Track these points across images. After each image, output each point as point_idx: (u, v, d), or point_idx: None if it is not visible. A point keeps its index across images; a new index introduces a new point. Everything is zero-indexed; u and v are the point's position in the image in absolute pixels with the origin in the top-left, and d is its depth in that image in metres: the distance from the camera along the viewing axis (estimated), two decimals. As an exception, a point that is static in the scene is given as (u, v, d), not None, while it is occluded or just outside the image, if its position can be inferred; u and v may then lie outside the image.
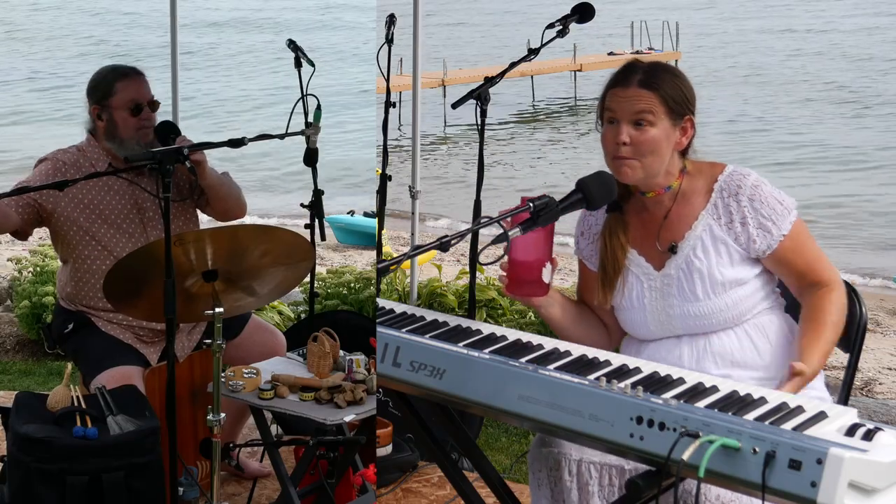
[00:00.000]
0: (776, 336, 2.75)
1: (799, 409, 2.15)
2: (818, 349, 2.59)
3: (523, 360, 2.40)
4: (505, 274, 2.68)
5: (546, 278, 2.71)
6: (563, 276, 8.62)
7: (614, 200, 2.81)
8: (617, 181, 2.68)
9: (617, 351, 2.91)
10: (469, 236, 2.73)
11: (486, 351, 2.45)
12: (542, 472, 2.70)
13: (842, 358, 3.03)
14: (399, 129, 16.95)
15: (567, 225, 2.84)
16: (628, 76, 2.69)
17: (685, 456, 1.96)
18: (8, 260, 6.86)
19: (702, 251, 2.71)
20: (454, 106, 4.12)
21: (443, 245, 2.44)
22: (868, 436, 2.01)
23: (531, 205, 2.56)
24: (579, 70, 25.14)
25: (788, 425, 2.07)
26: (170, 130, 3.54)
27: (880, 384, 6.41)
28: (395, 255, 4.07)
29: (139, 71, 3.76)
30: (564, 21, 3.99)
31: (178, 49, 5.32)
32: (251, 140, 3.40)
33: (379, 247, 5.98)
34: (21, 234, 3.66)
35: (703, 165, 2.78)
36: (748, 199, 2.68)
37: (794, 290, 2.76)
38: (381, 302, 2.85)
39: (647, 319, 2.79)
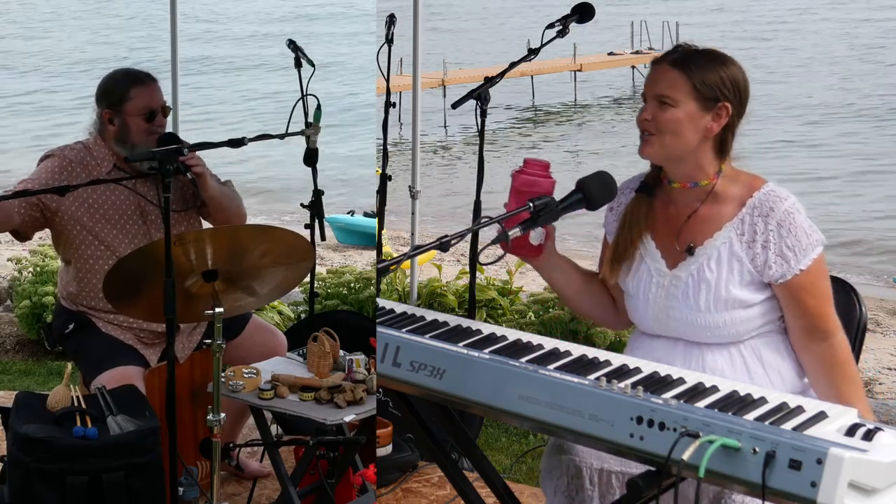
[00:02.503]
0: (771, 360, 2.71)
1: (799, 409, 2.16)
2: (860, 395, 2.62)
3: (523, 360, 2.40)
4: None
5: (534, 240, 2.73)
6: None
7: (645, 182, 2.81)
8: (651, 165, 2.75)
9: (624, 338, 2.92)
10: (469, 236, 2.74)
11: (486, 351, 2.45)
12: (562, 479, 2.67)
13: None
14: (399, 129, 16.92)
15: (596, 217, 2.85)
16: (666, 55, 2.70)
17: (685, 456, 1.96)
18: (8, 260, 6.86)
19: (716, 263, 2.68)
20: (454, 106, 4.12)
21: (443, 245, 2.44)
22: (868, 436, 2.01)
23: (531, 205, 2.57)
24: (579, 70, 25.13)
25: (788, 425, 2.07)
26: (172, 143, 3.52)
27: (880, 384, 6.41)
28: (395, 255, 4.07)
29: (153, 77, 3.75)
30: (564, 21, 3.99)
31: (178, 56, 5.32)
32: (251, 140, 3.40)
33: (379, 247, 5.99)
34: (21, 235, 3.66)
35: (743, 175, 2.72)
36: (777, 224, 2.62)
37: (794, 330, 2.69)
38: (381, 302, 2.85)
39: (648, 313, 2.78)
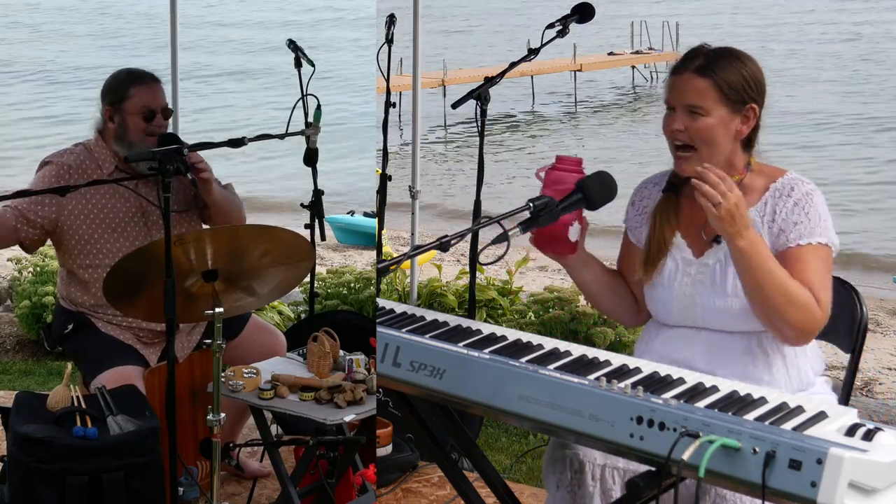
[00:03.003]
0: (790, 353, 2.70)
1: (799, 409, 2.16)
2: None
3: (523, 360, 2.40)
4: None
5: (573, 237, 2.73)
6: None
7: (671, 182, 2.82)
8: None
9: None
10: (469, 236, 2.74)
11: (486, 351, 2.45)
12: (565, 473, 2.67)
13: (842, 358, 3.02)
14: (400, 129, 16.86)
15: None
16: (686, 62, 2.69)
17: (685, 456, 1.96)
18: (8, 260, 6.86)
19: None
20: (454, 106, 4.12)
21: (443, 245, 2.44)
22: (868, 436, 2.01)
23: (531, 204, 2.57)
24: (579, 70, 25.15)
25: (788, 425, 2.07)
26: (172, 143, 3.52)
27: (880, 384, 6.41)
28: (395, 255, 4.07)
29: (155, 77, 3.76)
30: (564, 21, 3.99)
31: (178, 57, 5.32)
32: (251, 140, 3.40)
33: (379, 247, 5.98)
34: (27, 248, 3.70)
35: (767, 167, 2.76)
36: (794, 202, 2.66)
37: None
38: (381, 302, 2.85)
39: (673, 302, 2.78)
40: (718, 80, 2.64)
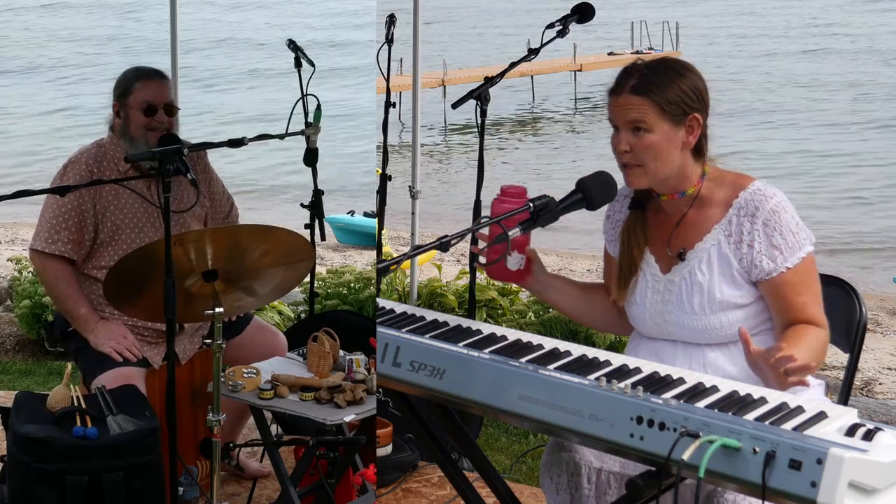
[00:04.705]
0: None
1: (799, 409, 2.16)
2: (803, 348, 2.50)
3: (523, 360, 2.40)
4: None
5: (511, 266, 2.73)
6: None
7: (636, 199, 2.80)
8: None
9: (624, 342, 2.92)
10: (469, 236, 2.74)
11: (486, 351, 2.45)
12: (563, 476, 2.68)
13: (842, 358, 3.03)
14: (400, 121, 16.82)
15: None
16: (621, 83, 2.65)
17: (685, 456, 1.96)
18: (8, 260, 6.87)
19: (706, 265, 2.67)
20: (454, 106, 4.13)
21: (443, 245, 2.45)
22: (868, 436, 2.01)
23: (531, 205, 2.57)
24: (579, 70, 25.18)
25: (788, 425, 2.07)
26: (173, 143, 3.51)
27: (880, 384, 6.41)
28: (395, 255, 4.07)
29: (162, 74, 3.75)
30: (564, 21, 4.00)
31: (178, 61, 5.32)
32: (251, 140, 3.40)
33: (379, 247, 6.00)
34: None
35: (729, 176, 2.72)
36: (762, 223, 2.61)
37: (779, 326, 2.66)
38: (381, 302, 2.85)
39: (647, 318, 2.78)
40: (656, 98, 2.60)
